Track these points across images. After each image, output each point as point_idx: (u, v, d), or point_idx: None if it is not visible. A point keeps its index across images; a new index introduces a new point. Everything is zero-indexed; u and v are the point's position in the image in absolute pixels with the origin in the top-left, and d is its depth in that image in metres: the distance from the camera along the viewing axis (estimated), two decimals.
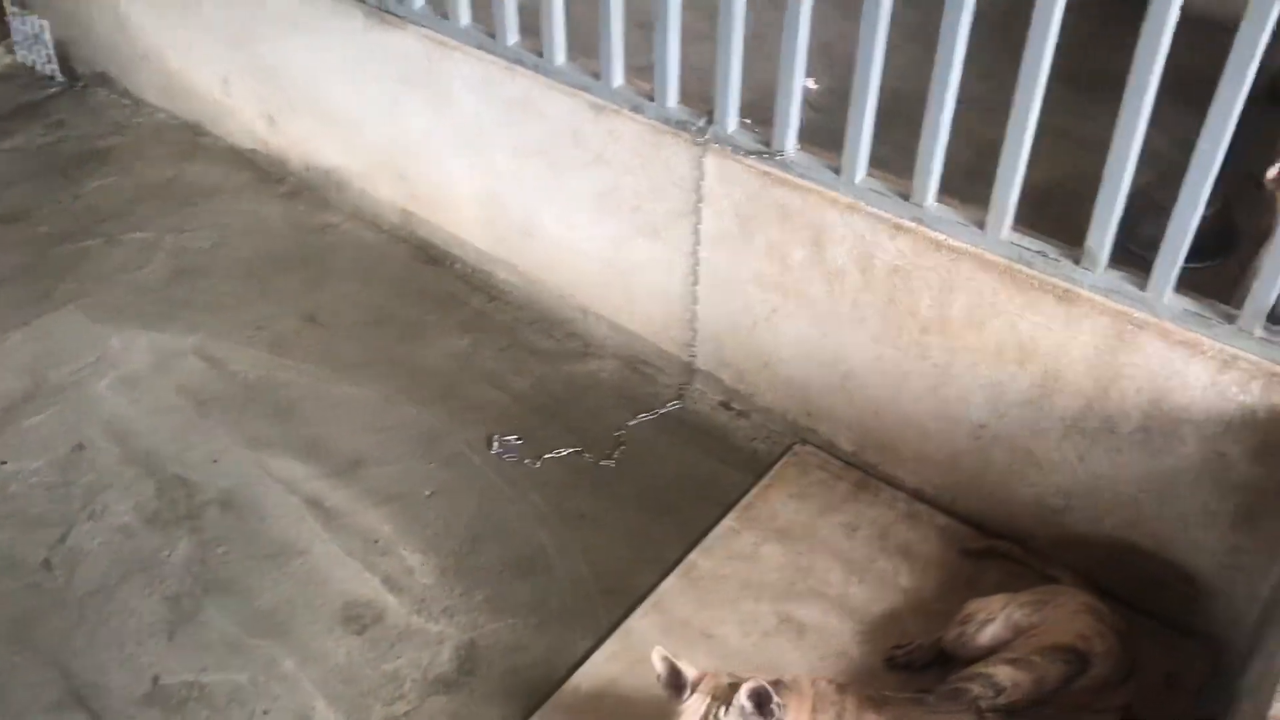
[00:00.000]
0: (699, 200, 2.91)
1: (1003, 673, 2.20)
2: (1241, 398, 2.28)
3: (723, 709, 1.99)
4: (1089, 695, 2.21)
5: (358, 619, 2.70)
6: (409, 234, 3.87)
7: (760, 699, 1.98)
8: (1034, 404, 2.59)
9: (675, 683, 2.06)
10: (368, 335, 3.52)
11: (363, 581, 2.78)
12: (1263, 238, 3.07)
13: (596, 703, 2.50)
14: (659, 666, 2.06)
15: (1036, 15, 2.24)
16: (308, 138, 3.99)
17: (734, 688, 2.00)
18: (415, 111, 3.51)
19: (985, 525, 2.85)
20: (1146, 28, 2.13)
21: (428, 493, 3.02)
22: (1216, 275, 2.94)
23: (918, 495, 2.95)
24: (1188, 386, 2.34)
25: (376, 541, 2.88)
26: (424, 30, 3.32)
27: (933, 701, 2.20)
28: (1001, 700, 2.15)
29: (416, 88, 3.45)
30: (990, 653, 2.31)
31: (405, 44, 3.38)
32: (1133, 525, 2.58)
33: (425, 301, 3.65)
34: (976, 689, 2.18)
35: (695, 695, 2.02)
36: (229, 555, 2.83)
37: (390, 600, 2.74)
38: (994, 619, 2.37)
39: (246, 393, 3.30)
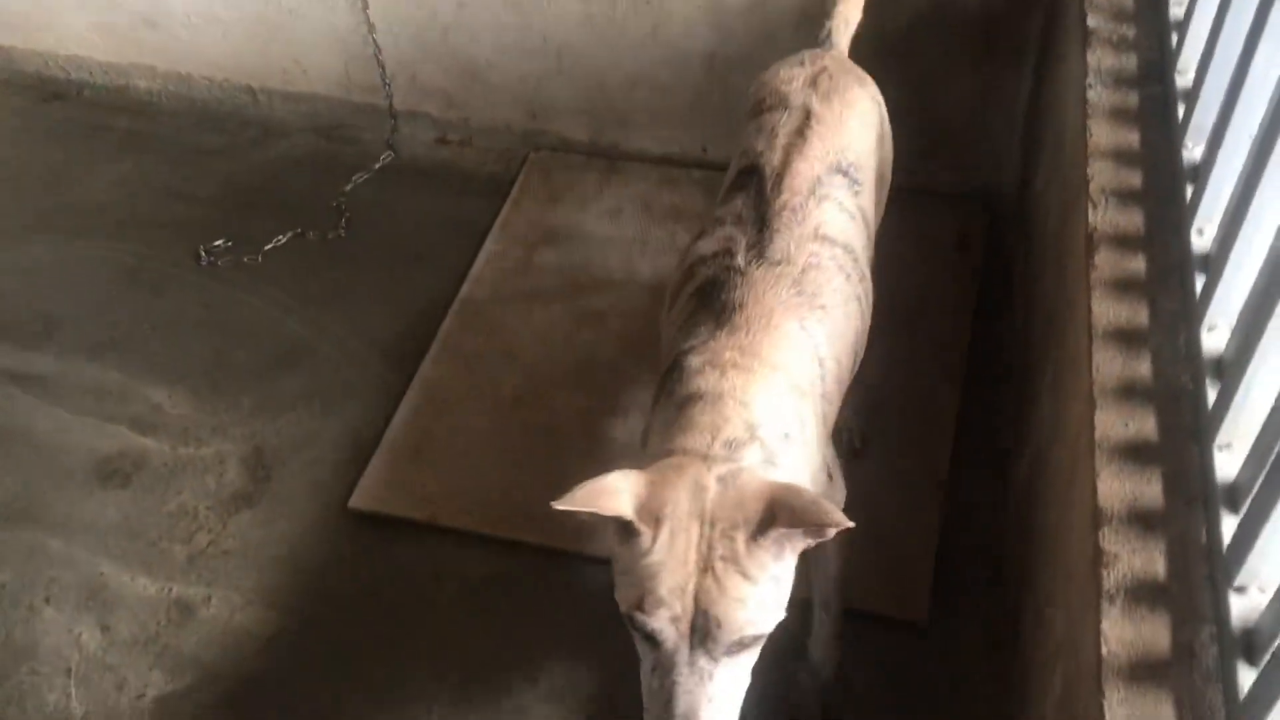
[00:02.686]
0: None
1: None
2: None
3: (741, 535, 1.18)
4: None
5: (117, 473, 2.32)
6: (13, 75, 3.26)
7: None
8: (758, 7, 2.45)
9: (614, 522, 1.22)
10: (7, 195, 2.96)
11: (107, 435, 2.38)
12: None
13: (415, 456, 2.26)
14: (587, 510, 1.18)
15: None
16: None
17: (727, 481, 1.20)
18: None
19: None
20: None
21: (147, 327, 2.61)
22: None
23: (668, 160, 2.80)
24: None
25: (110, 392, 2.47)
26: None
27: None
28: None
29: None
30: None
31: None
32: None
33: (62, 141, 3.10)
34: None
35: (665, 528, 1.19)
36: None
37: (146, 442, 2.37)
38: None
39: None
